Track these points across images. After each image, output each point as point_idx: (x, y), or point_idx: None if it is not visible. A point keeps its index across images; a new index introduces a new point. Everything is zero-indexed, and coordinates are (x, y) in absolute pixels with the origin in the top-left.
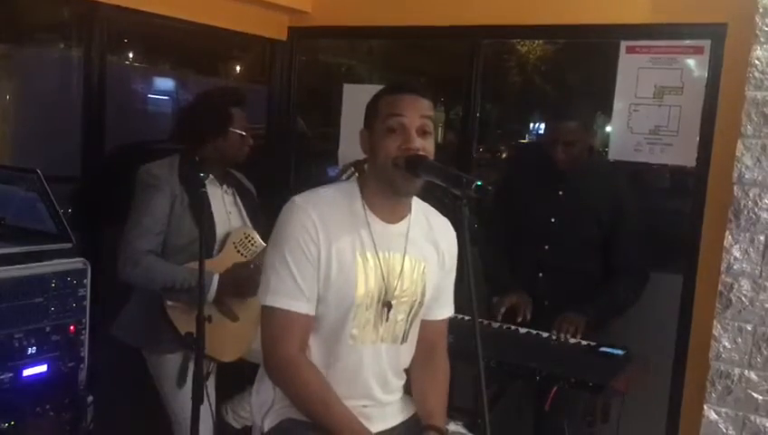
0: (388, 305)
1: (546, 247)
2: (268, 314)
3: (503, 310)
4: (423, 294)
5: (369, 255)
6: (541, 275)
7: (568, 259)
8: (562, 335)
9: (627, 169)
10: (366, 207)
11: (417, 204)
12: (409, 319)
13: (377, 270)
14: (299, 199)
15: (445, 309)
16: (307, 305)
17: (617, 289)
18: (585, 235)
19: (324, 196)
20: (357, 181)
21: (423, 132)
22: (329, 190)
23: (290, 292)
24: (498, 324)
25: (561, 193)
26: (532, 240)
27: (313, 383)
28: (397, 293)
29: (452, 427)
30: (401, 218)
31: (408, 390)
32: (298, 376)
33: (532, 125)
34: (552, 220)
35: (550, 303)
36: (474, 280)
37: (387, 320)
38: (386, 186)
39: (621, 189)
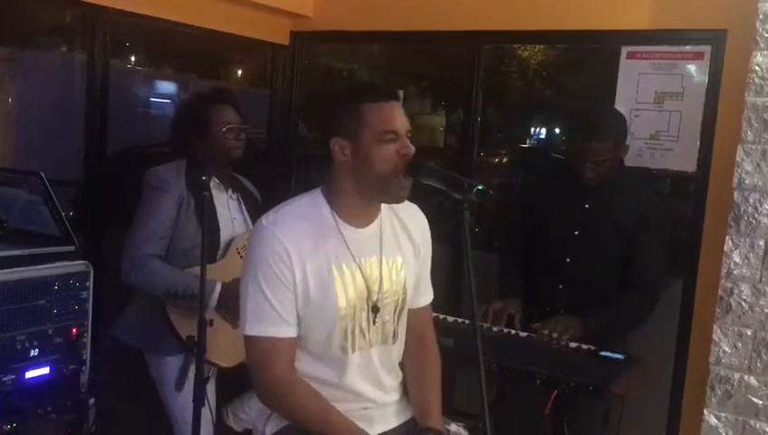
0: (375, 310)
1: (568, 260)
2: (251, 342)
3: (487, 322)
4: (405, 291)
5: (344, 266)
6: (561, 286)
7: (589, 272)
8: (548, 334)
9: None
10: (336, 215)
11: None
12: (396, 317)
13: (355, 279)
14: (266, 222)
15: (425, 296)
16: (289, 329)
17: (625, 304)
18: (609, 248)
19: (291, 212)
20: (321, 191)
21: (407, 136)
22: (295, 205)
23: (270, 319)
24: (498, 328)
25: (587, 206)
26: (555, 252)
27: (307, 399)
28: (379, 297)
29: (453, 428)
30: (373, 221)
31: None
32: (291, 395)
33: (533, 130)
34: (576, 233)
35: (566, 313)
36: (475, 284)
37: (374, 324)
38: (378, 192)
39: (650, 204)
